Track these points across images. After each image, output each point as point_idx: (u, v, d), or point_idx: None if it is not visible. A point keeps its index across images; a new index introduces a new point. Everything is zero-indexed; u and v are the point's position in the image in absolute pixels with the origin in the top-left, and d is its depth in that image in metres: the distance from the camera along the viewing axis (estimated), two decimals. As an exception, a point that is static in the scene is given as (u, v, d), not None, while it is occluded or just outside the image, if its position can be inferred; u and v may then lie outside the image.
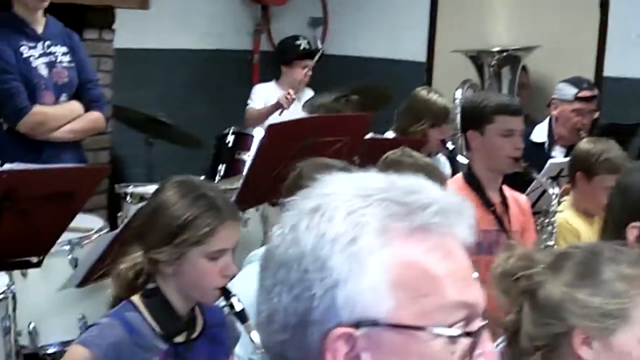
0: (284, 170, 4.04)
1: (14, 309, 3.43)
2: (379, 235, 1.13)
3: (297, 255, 1.15)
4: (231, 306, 2.55)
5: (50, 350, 3.80)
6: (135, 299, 2.57)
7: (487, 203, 3.99)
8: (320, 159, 3.17)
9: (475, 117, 3.88)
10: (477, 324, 1.16)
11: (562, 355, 1.94)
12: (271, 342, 1.18)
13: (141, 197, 4.38)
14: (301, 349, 1.15)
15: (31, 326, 3.71)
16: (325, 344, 1.13)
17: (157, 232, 2.51)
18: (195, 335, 2.60)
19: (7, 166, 2.86)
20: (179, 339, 2.57)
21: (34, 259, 3.14)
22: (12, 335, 3.41)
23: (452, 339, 1.14)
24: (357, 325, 1.12)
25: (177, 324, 2.56)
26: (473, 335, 1.15)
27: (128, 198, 4.34)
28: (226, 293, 2.55)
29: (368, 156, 3.82)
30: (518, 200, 4.20)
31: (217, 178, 5.57)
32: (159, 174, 5.60)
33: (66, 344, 3.78)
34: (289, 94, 6.08)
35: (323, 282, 1.13)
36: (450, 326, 1.14)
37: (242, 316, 2.55)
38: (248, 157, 5.63)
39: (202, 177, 5.29)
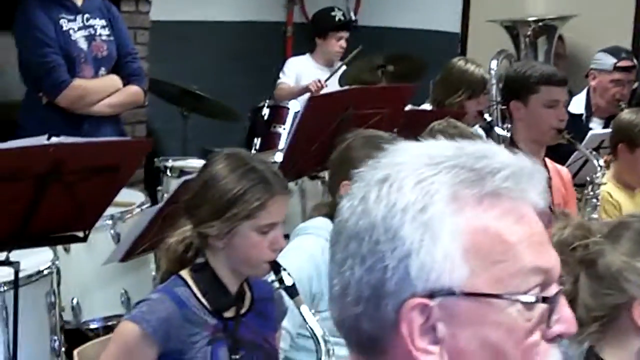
0: (324, 143, 4.04)
1: (58, 285, 3.44)
2: (449, 203, 1.12)
3: (367, 226, 1.13)
4: (280, 280, 2.54)
5: (93, 326, 3.81)
6: (185, 273, 2.56)
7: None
8: (368, 130, 3.15)
9: (518, 88, 3.84)
10: (554, 289, 1.15)
11: (621, 327, 1.92)
12: (345, 315, 1.17)
13: (181, 171, 4.38)
14: (375, 321, 1.13)
15: (74, 301, 3.72)
16: (400, 315, 1.12)
17: (206, 207, 2.50)
18: (244, 310, 2.59)
19: (53, 139, 2.85)
20: (228, 313, 2.56)
21: (80, 234, 3.13)
22: (56, 310, 3.41)
23: (529, 305, 1.12)
24: (432, 295, 1.11)
25: (227, 298, 2.55)
26: (549, 300, 1.13)
27: (168, 172, 4.34)
28: (276, 267, 2.54)
29: (407, 128, 3.79)
30: (560, 172, 4.16)
31: (253, 151, 5.56)
32: (194, 147, 5.63)
33: (108, 319, 3.81)
34: (319, 81, 6.03)
35: (395, 252, 1.11)
36: (526, 292, 1.12)
37: (291, 290, 2.54)
38: (283, 130, 5.62)
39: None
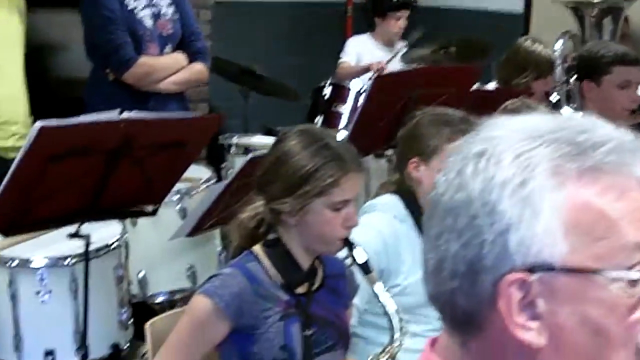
0: (389, 122, 4.02)
1: (126, 258, 3.47)
2: (549, 177, 1.09)
3: (464, 201, 1.11)
4: (353, 257, 2.53)
5: (159, 300, 3.84)
6: (257, 249, 2.56)
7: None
8: (438, 108, 3.11)
9: (591, 67, 3.79)
10: None
11: None
12: (440, 290, 1.15)
13: (245, 148, 4.38)
14: (472, 297, 1.12)
15: (140, 275, 3.75)
16: (498, 290, 1.10)
17: (279, 183, 2.49)
18: (315, 286, 2.59)
19: (124, 115, 2.86)
20: (300, 290, 2.55)
21: (149, 208, 3.14)
22: (125, 284, 3.44)
23: (632, 282, 1.09)
24: (531, 270, 1.09)
25: (299, 274, 2.54)
26: None
27: (232, 149, 4.34)
28: (349, 244, 2.53)
29: (473, 108, 3.74)
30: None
31: (314, 130, 5.55)
32: (255, 126, 5.63)
33: (174, 293, 3.83)
34: (379, 63, 5.99)
35: (493, 227, 1.09)
36: (629, 269, 1.09)
37: (365, 267, 2.53)
38: (344, 109, 5.60)
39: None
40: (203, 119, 3.19)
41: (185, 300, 3.89)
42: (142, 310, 3.79)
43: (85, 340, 3.11)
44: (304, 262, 2.55)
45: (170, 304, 3.89)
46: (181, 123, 3.07)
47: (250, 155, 3.39)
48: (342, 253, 2.59)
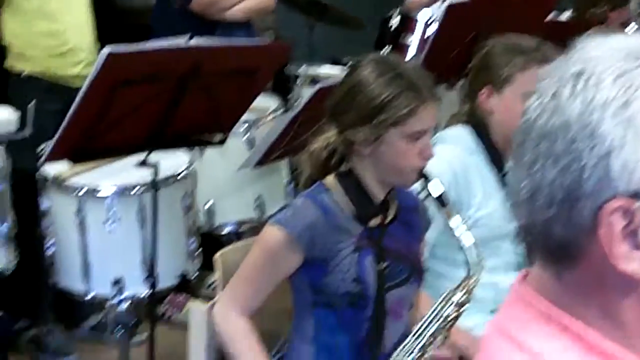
0: (461, 52, 3.91)
1: (194, 188, 3.43)
2: None
3: (561, 124, 1.04)
4: (429, 190, 2.46)
5: (226, 230, 3.80)
6: (329, 180, 2.49)
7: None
8: (510, 36, 3.00)
9: None
10: None
11: None
12: (534, 220, 1.08)
13: (312, 79, 4.30)
14: (569, 226, 1.05)
15: (208, 205, 3.71)
16: (598, 218, 1.03)
17: (353, 112, 2.42)
18: (389, 219, 2.52)
19: (194, 41, 2.79)
20: (373, 222, 2.49)
21: (218, 137, 3.09)
22: (193, 213, 3.41)
23: None
24: (635, 196, 1.02)
25: (372, 207, 2.48)
26: None
27: (299, 79, 4.27)
28: (424, 176, 2.46)
29: (548, 39, 3.61)
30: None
31: (381, 61, 5.44)
32: (321, 57, 5.54)
33: (241, 224, 3.80)
34: None
35: (594, 151, 1.02)
36: None
37: (441, 200, 2.46)
38: (412, 41, 5.49)
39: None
40: (273, 46, 3.11)
41: (252, 231, 3.87)
42: (209, 240, 3.77)
43: (153, 269, 3.08)
44: (378, 194, 2.49)
45: (237, 235, 3.86)
46: (251, 50, 3.00)
47: (318, 85, 3.32)
48: (417, 185, 2.52)
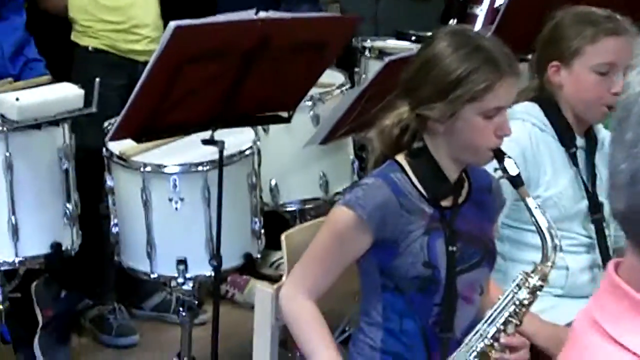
0: (532, 24, 3.78)
1: (259, 166, 3.36)
2: None
3: None
4: (504, 169, 2.35)
5: (290, 208, 3.73)
6: (401, 158, 2.41)
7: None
8: (581, 7, 2.88)
9: None
10: None
11: None
12: (632, 206, 0.98)
13: (380, 52, 4.20)
14: None
15: (272, 183, 3.64)
16: None
17: (428, 87, 2.32)
18: (461, 199, 2.43)
19: (262, 14, 2.72)
20: (445, 202, 2.40)
21: (284, 114, 3.01)
22: (257, 192, 3.34)
23: None
24: None
25: (445, 186, 2.39)
26: None
27: (366, 52, 4.17)
28: (500, 155, 2.36)
29: (621, 9, 3.44)
30: None
31: (449, 34, 5.33)
32: (386, 30, 5.42)
33: (306, 202, 3.72)
34: None
35: None
36: None
37: (516, 180, 2.36)
38: (480, 11, 5.35)
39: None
40: (342, 18, 3.03)
41: (317, 209, 3.79)
42: (272, 219, 3.71)
43: (218, 249, 3.02)
44: (451, 173, 2.39)
45: (300, 213, 3.79)
46: (320, 22, 2.91)
47: (387, 59, 3.23)
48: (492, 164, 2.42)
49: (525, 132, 2.79)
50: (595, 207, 2.80)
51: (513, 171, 2.35)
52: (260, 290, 2.56)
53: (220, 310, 3.45)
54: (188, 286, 3.22)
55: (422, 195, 2.37)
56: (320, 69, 3.00)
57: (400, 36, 5.18)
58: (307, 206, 3.73)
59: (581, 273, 2.80)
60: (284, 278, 2.53)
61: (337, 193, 3.73)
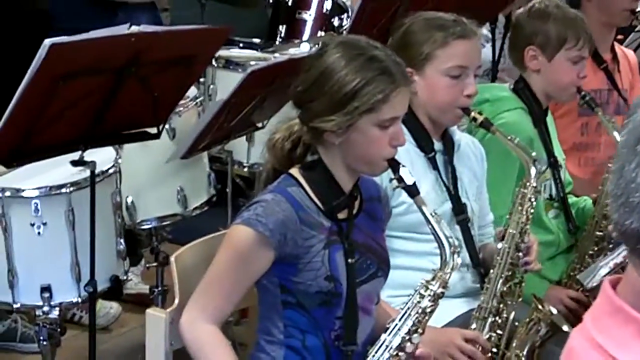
0: (382, 29, 3.81)
1: (120, 183, 3.23)
2: None
3: None
4: (400, 179, 2.35)
5: (148, 226, 3.60)
6: (295, 172, 2.36)
7: (598, 60, 3.78)
8: (428, 12, 2.91)
9: None
10: None
11: None
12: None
13: (226, 61, 4.12)
14: None
15: (128, 200, 3.50)
16: None
17: (323, 100, 2.28)
18: (355, 211, 2.41)
19: (134, 28, 2.61)
20: (341, 215, 2.37)
21: (153, 130, 2.91)
22: (121, 211, 3.22)
23: None
24: None
25: (342, 199, 2.36)
26: None
27: (213, 62, 4.08)
28: (395, 164, 2.35)
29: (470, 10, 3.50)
30: (627, 56, 3.99)
31: (278, 40, 5.31)
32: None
33: (163, 218, 3.61)
34: None
35: None
36: None
37: (412, 189, 2.36)
38: (309, 16, 5.36)
39: (260, 40, 5.07)
40: (214, 30, 2.94)
41: (175, 225, 3.69)
42: (129, 238, 3.57)
43: (93, 273, 2.89)
44: (346, 184, 2.37)
45: (157, 231, 3.67)
46: (192, 35, 2.82)
47: (249, 69, 3.18)
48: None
49: None
50: (458, 208, 2.85)
51: (409, 180, 2.34)
52: (152, 315, 2.46)
53: (67, 334, 3.31)
54: (54, 314, 3.05)
55: (320, 209, 2.33)
56: (190, 82, 2.93)
57: (227, 43, 5.13)
58: (164, 223, 3.61)
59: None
60: (176, 301, 2.44)
61: (196, 208, 3.64)
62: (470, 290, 2.88)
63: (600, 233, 3.31)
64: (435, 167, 2.84)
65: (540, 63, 3.20)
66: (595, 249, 3.31)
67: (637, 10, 3.76)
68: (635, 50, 4.31)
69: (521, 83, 3.24)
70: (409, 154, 2.79)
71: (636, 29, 4.23)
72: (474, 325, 2.72)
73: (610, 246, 3.28)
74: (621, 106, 3.80)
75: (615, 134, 3.18)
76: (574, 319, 3.14)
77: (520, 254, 2.77)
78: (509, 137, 2.84)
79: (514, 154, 2.88)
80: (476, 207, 2.92)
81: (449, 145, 2.90)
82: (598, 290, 3.13)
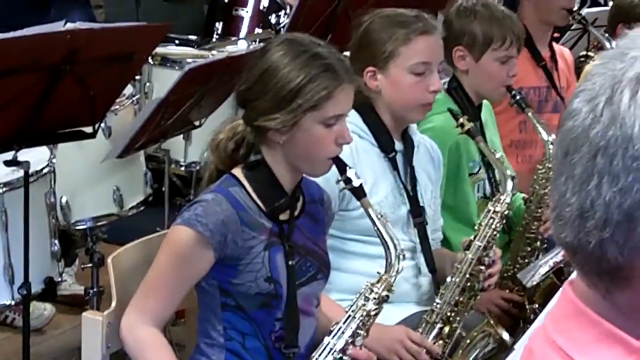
0: (323, 24, 3.79)
1: (55, 183, 3.16)
2: None
3: (621, 137, 0.91)
4: (347, 180, 2.32)
5: (83, 226, 3.53)
6: (237, 172, 2.33)
7: (537, 58, 3.79)
8: (387, 10, 2.88)
9: None
10: None
11: None
12: (584, 240, 0.96)
13: (162, 58, 4.06)
14: (626, 248, 0.94)
15: (63, 200, 3.42)
16: None
17: (267, 98, 2.25)
18: (297, 212, 2.38)
19: (70, 25, 2.54)
20: (283, 216, 2.34)
21: (88, 129, 2.84)
22: (56, 212, 3.14)
23: None
24: None
25: (284, 199, 2.33)
26: None
27: (149, 60, 4.01)
28: (341, 166, 2.32)
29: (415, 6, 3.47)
30: (564, 54, 4.02)
31: (215, 37, 5.27)
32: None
33: (99, 219, 3.54)
34: None
35: None
36: None
37: (359, 191, 2.33)
38: (246, 12, 5.32)
39: (197, 37, 5.02)
40: (152, 27, 2.88)
41: (111, 225, 3.62)
42: (64, 238, 3.50)
43: (27, 276, 2.82)
44: (289, 185, 2.35)
45: (93, 231, 3.60)
46: (129, 32, 2.76)
47: (187, 67, 3.13)
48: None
49: None
50: (416, 211, 2.81)
51: (356, 182, 2.32)
52: (88, 318, 2.39)
53: (0, 336, 3.22)
54: (-13, 318, 2.97)
55: (261, 209, 2.30)
56: (127, 80, 2.87)
57: (163, 40, 5.06)
58: (100, 223, 3.54)
59: (404, 280, 2.76)
60: (113, 303, 2.38)
61: (132, 207, 3.58)
62: (425, 296, 2.85)
63: (532, 235, 3.30)
64: (395, 167, 2.80)
65: (468, 63, 3.16)
66: (528, 249, 3.30)
67: (574, 9, 3.77)
68: (571, 49, 4.34)
69: (454, 82, 3.21)
70: (369, 154, 2.76)
71: (572, 28, 4.26)
72: (420, 330, 2.68)
73: (545, 246, 3.28)
74: (559, 104, 3.82)
75: (544, 134, 3.16)
76: (508, 320, 3.15)
77: (483, 267, 2.74)
78: (492, 151, 2.85)
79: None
80: (429, 212, 2.88)
81: (409, 146, 2.86)
82: (535, 290, 3.15)
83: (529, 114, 3.20)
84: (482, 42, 3.12)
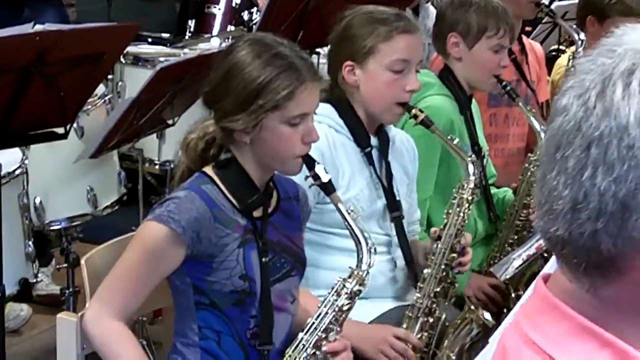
0: (294, 24, 3.80)
1: (27, 184, 3.16)
2: None
3: (615, 128, 0.93)
4: (315, 177, 2.33)
5: (57, 227, 3.53)
6: (209, 170, 2.33)
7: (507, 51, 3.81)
8: (368, 7, 2.89)
9: None
10: None
11: None
12: (576, 232, 0.97)
13: (135, 57, 4.06)
14: (619, 239, 0.95)
15: (37, 201, 3.42)
16: None
17: (230, 98, 2.26)
18: (271, 209, 2.39)
19: (38, 27, 2.54)
20: (256, 213, 2.35)
21: (60, 130, 2.84)
22: (29, 213, 3.14)
23: None
24: None
25: (255, 197, 2.34)
26: None
27: (121, 59, 4.01)
28: (310, 162, 2.33)
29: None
30: (534, 48, 4.04)
31: (187, 34, 5.27)
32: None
33: (73, 219, 3.54)
34: None
35: None
36: None
37: (328, 187, 2.34)
38: (219, 10, 5.32)
39: (169, 35, 5.02)
40: (121, 27, 2.88)
41: (85, 224, 3.62)
42: (38, 239, 3.50)
43: (1, 277, 2.81)
44: (260, 182, 2.36)
45: (67, 231, 3.60)
46: (99, 33, 2.76)
47: (158, 66, 3.14)
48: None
49: (322, 134, 2.72)
50: (393, 205, 2.83)
51: (324, 178, 2.33)
52: (63, 319, 2.39)
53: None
54: (-40, 320, 2.96)
55: (235, 207, 2.31)
56: (98, 80, 2.87)
57: (135, 38, 5.06)
58: (74, 223, 3.54)
59: (381, 273, 2.79)
60: (87, 304, 2.38)
61: (107, 207, 3.58)
62: (402, 290, 2.87)
63: (520, 222, 3.35)
64: (370, 162, 2.82)
65: (462, 51, 3.22)
66: (515, 237, 3.35)
67: (542, 2, 3.80)
68: (541, 43, 4.37)
69: (446, 71, 3.27)
70: (345, 149, 2.78)
71: (543, 21, 4.29)
72: (405, 325, 2.70)
73: (531, 235, 3.32)
74: (529, 97, 3.85)
75: (535, 123, 3.22)
76: (494, 306, 3.19)
77: (455, 255, 2.77)
78: (448, 137, 2.84)
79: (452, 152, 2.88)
80: (405, 206, 2.90)
81: (384, 141, 2.87)
82: (516, 280, 3.17)
83: (520, 103, 3.28)
84: (477, 30, 3.20)
